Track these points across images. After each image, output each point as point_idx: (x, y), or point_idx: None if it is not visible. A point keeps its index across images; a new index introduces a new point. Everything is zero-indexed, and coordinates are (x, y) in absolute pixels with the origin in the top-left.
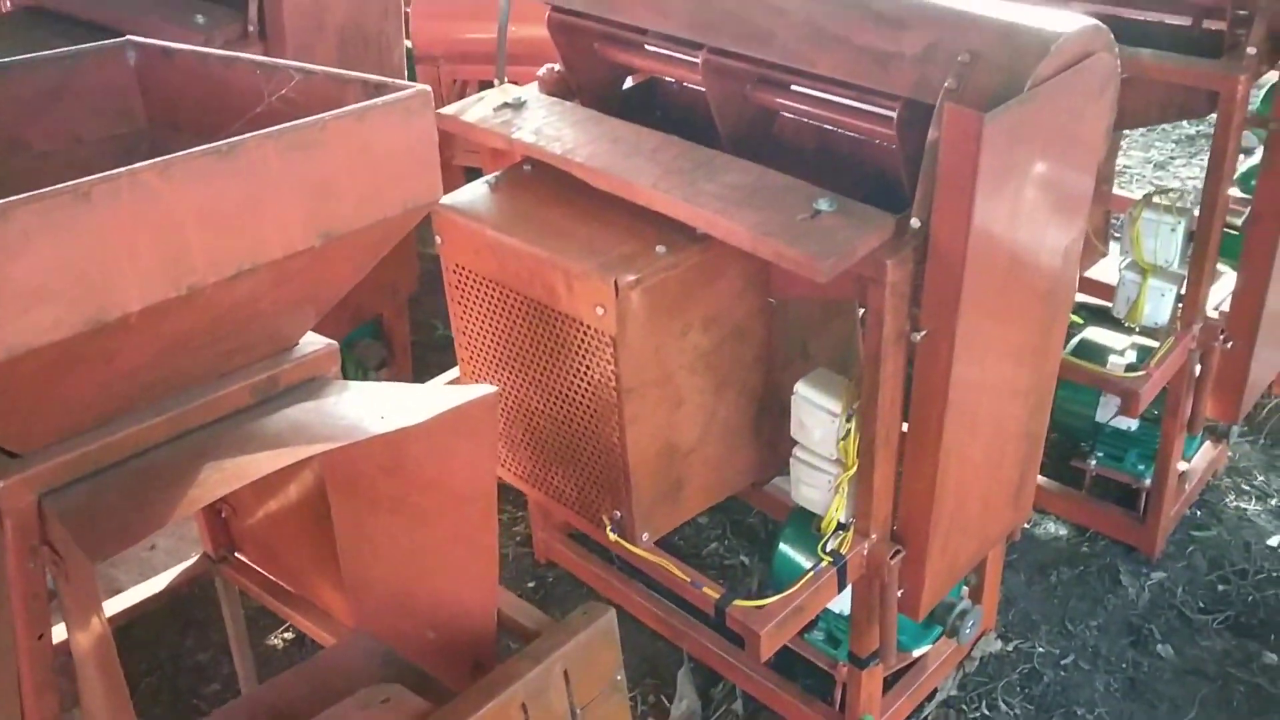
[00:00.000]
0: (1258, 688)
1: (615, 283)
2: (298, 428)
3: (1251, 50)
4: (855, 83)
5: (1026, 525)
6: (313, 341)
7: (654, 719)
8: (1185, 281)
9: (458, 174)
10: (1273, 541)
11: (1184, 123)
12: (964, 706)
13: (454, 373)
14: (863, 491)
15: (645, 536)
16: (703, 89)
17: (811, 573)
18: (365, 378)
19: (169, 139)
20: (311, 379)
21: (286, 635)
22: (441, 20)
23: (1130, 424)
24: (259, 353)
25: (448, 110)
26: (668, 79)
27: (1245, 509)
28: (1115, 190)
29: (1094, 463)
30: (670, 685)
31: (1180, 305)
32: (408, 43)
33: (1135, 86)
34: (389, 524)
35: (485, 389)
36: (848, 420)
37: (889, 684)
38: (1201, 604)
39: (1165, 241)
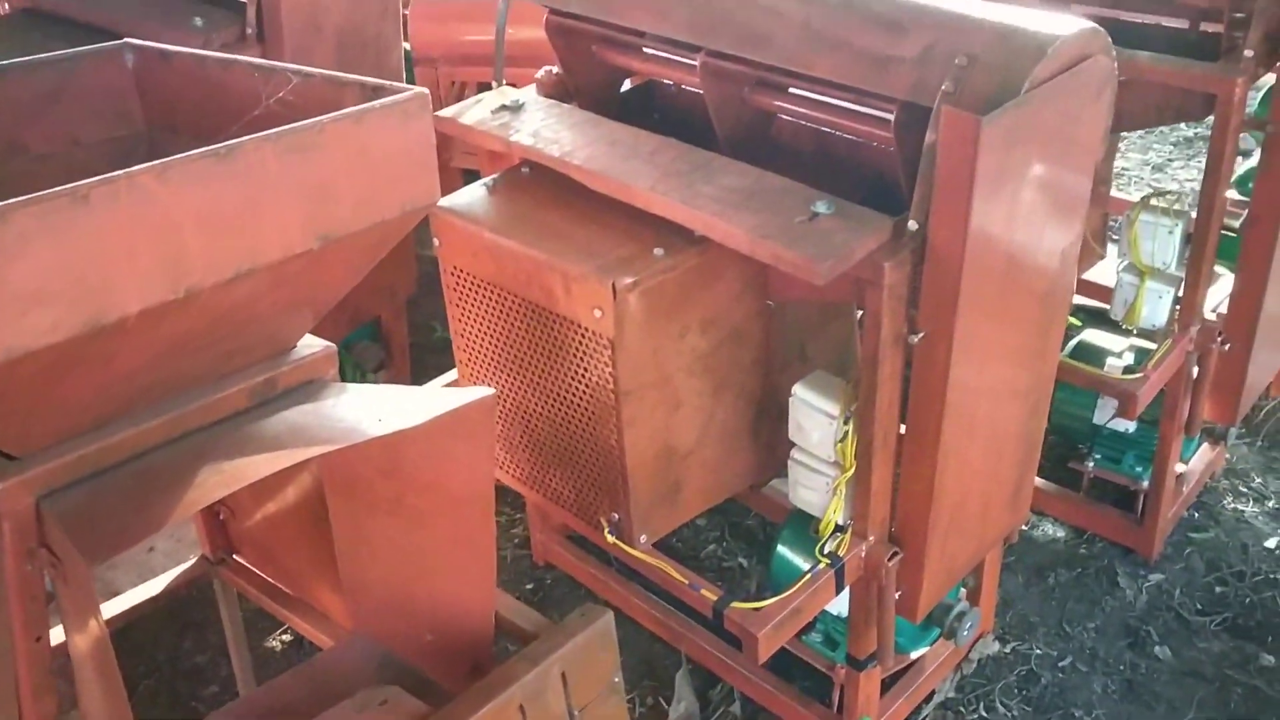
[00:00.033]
0: (1255, 689)
1: (613, 285)
2: (296, 430)
3: (1249, 53)
4: (853, 85)
5: (1024, 527)
6: (311, 344)
7: None
8: (1183, 284)
9: (456, 176)
10: (1270, 543)
11: (1182, 125)
12: (962, 708)
13: (452, 375)
14: (860, 493)
15: (643, 538)
16: (701, 91)
17: (809, 575)
18: (363, 380)
19: (167, 141)
20: (309, 381)
21: (285, 637)
22: (440, 22)
23: (1128, 426)
24: (257, 355)
25: (446, 112)
26: (666, 81)
27: (1243, 511)
28: (1113, 192)
29: (1092, 465)
30: (668, 687)
31: (1178, 307)
32: (406, 45)
33: (1133, 89)
34: (387, 526)
35: (483, 391)
36: (845, 422)
37: (887, 686)
38: (1199, 606)
39: (1163, 244)
